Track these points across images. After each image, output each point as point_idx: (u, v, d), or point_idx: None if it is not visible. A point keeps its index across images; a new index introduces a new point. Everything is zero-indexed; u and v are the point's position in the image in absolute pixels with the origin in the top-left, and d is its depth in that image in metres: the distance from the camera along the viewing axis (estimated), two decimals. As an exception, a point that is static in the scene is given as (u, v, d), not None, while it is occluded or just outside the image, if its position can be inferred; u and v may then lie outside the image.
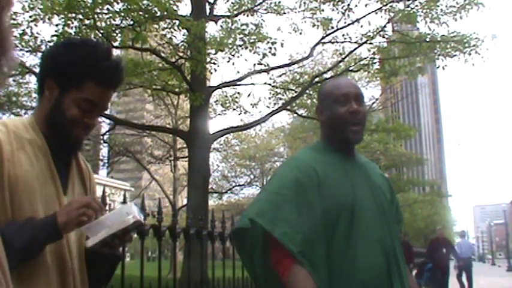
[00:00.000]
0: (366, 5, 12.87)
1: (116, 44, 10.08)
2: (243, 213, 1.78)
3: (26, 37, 10.28)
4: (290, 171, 1.73)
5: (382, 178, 1.89)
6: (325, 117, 1.82)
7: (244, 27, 11.53)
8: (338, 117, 1.76)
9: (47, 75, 1.44)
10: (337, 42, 13.63)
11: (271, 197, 1.69)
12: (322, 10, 12.89)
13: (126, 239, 1.38)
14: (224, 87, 13.80)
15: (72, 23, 9.63)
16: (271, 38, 11.02)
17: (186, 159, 15.62)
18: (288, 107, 14.51)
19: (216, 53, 10.59)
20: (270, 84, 14.32)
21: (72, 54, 1.42)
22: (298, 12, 13.18)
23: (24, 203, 1.30)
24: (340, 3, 12.69)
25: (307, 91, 14.07)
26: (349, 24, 12.90)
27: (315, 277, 1.58)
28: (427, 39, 12.31)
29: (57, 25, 9.82)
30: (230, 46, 10.60)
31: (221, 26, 12.09)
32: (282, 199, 1.66)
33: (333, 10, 12.88)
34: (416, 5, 12.39)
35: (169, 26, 10.72)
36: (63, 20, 9.55)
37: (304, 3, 13.01)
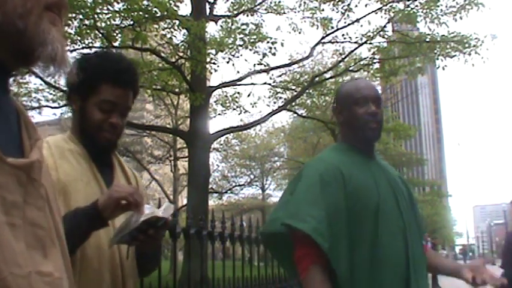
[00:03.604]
0: (366, 5, 12.87)
1: (116, 44, 10.06)
2: (272, 217, 1.82)
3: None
4: (314, 171, 1.76)
5: (400, 180, 1.94)
6: (343, 118, 1.87)
7: (244, 27, 11.52)
8: (357, 117, 1.81)
9: (71, 92, 1.60)
10: (337, 42, 13.63)
11: (299, 197, 1.73)
12: (322, 10, 12.88)
13: (149, 233, 1.35)
14: (224, 87, 13.79)
15: (72, 23, 9.61)
16: (271, 38, 11.01)
17: (186, 159, 15.62)
18: (288, 107, 14.52)
19: (216, 53, 10.58)
20: (270, 84, 14.34)
21: (86, 66, 1.54)
22: (298, 12, 13.18)
23: (71, 202, 1.42)
24: (340, 3, 12.69)
25: (307, 91, 14.08)
26: (349, 24, 12.91)
27: (330, 283, 1.62)
28: (427, 40, 12.31)
29: (57, 25, 9.78)
30: (230, 46, 10.59)
31: (221, 26, 12.09)
32: (309, 198, 1.70)
33: (333, 10, 12.89)
34: (416, 5, 12.39)
35: (169, 26, 10.70)
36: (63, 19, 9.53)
37: (304, 3, 13.02)
